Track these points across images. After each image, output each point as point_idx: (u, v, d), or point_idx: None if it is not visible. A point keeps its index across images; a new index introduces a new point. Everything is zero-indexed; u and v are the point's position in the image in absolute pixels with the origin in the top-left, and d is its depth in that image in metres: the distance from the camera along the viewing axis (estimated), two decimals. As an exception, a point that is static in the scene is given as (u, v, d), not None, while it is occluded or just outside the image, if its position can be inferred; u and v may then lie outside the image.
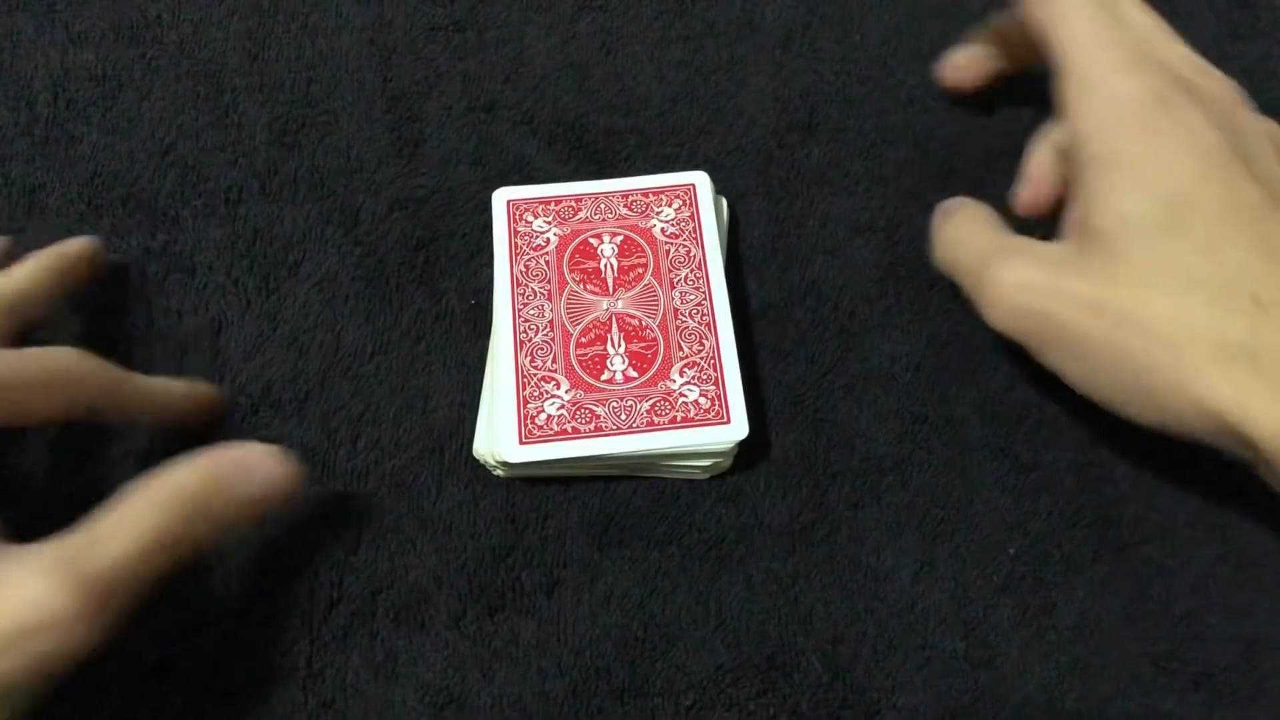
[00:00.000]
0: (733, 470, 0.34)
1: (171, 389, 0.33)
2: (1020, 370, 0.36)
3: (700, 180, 0.37)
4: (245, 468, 0.29)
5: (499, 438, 0.32)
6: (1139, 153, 0.29)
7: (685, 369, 0.34)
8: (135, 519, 0.27)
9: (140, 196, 0.39)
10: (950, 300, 0.37)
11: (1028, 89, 0.41)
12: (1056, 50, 0.32)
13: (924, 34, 0.43)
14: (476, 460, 0.34)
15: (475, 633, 0.32)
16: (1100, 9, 0.32)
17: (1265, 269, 0.27)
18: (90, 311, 0.37)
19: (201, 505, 0.28)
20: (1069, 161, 0.32)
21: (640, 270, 0.36)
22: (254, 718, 0.31)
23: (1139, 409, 0.29)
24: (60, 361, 0.30)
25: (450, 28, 0.43)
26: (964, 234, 0.34)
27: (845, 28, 0.43)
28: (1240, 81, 0.40)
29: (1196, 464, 0.34)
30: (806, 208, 0.39)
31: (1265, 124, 0.31)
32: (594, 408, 0.33)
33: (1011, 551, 0.33)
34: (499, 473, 0.34)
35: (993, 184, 0.39)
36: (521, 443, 0.32)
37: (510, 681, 0.31)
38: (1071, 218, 0.32)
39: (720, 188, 0.39)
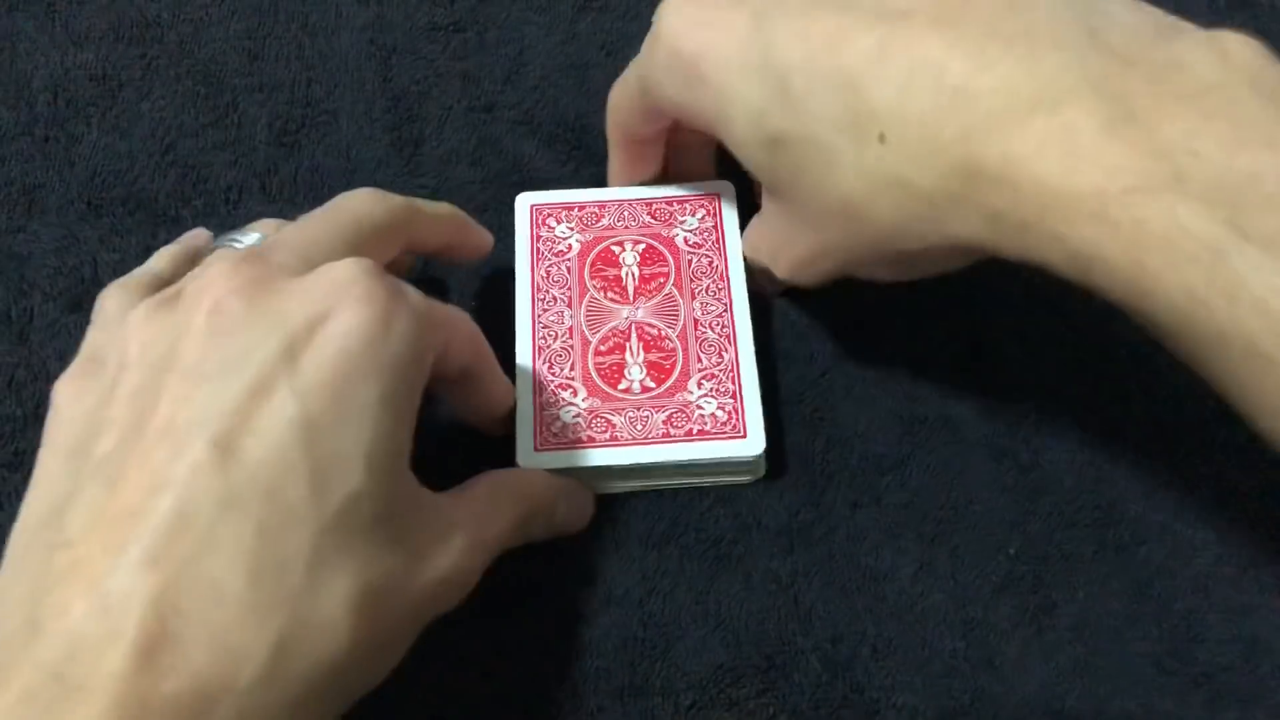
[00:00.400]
0: (732, 470, 0.34)
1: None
2: (1020, 370, 0.36)
3: (725, 189, 0.37)
4: (570, 498, 0.32)
5: (514, 444, 0.32)
6: (711, 96, 0.29)
7: (703, 380, 0.33)
8: (507, 506, 0.30)
9: (140, 196, 0.39)
10: (949, 300, 0.37)
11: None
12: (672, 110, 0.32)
13: (924, 34, 0.42)
14: (476, 460, 0.34)
15: (475, 632, 0.32)
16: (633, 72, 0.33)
17: (870, 97, 0.26)
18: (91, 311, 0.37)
19: (539, 513, 0.31)
20: None
21: (662, 279, 0.35)
22: (253, 717, 0.31)
23: (937, 267, 0.29)
24: (464, 317, 0.31)
25: (450, 28, 0.43)
26: (751, 239, 0.34)
27: (845, 27, 0.43)
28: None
29: (1197, 464, 0.34)
30: (806, 208, 0.39)
31: None
32: (610, 417, 0.33)
33: (1011, 551, 0.33)
34: None
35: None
36: (536, 450, 0.32)
37: (510, 681, 0.31)
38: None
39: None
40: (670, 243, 0.36)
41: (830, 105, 0.26)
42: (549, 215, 0.37)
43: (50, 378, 0.35)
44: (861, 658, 0.32)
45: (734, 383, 0.33)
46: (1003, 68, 0.24)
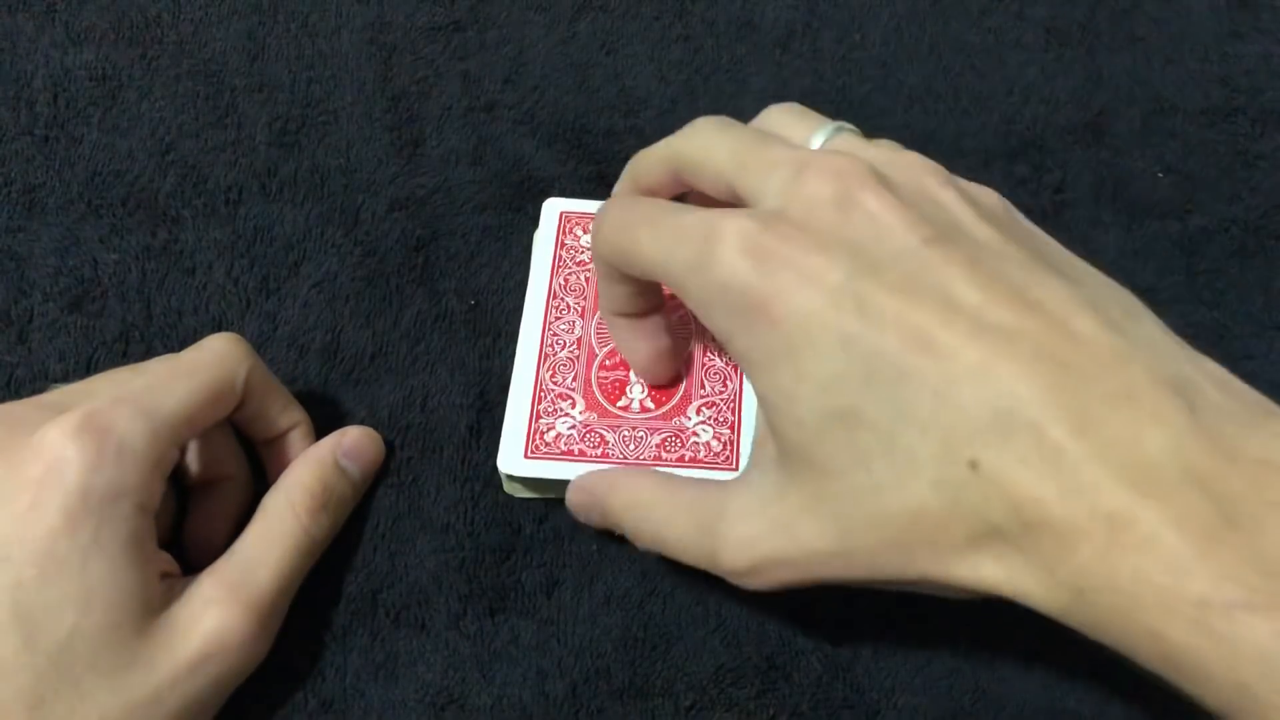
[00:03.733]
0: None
1: None
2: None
3: None
4: (353, 453, 0.33)
5: (505, 449, 0.32)
6: (778, 342, 0.25)
7: (703, 408, 0.33)
8: (280, 532, 0.31)
9: (140, 196, 0.39)
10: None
11: (1028, 88, 0.41)
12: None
13: (924, 34, 0.43)
14: (475, 460, 0.34)
15: (475, 633, 0.32)
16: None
17: (965, 417, 0.23)
18: (92, 314, 0.37)
19: (329, 499, 0.32)
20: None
21: (678, 300, 0.35)
22: (254, 718, 0.31)
23: (949, 593, 0.25)
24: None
25: (450, 28, 0.43)
26: (655, 513, 0.29)
27: (845, 28, 0.43)
28: (1240, 82, 0.40)
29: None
30: (806, 208, 0.39)
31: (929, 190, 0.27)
32: (604, 433, 0.33)
33: (1012, 552, 0.33)
34: (506, 488, 0.34)
35: (990, 186, 0.39)
36: (526, 457, 0.32)
37: (510, 682, 0.31)
38: (760, 424, 0.28)
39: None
40: None
41: (919, 408, 0.23)
42: (576, 224, 0.36)
43: (50, 378, 0.35)
44: (862, 658, 0.32)
45: (734, 413, 0.33)
46: (1104, 434, 0.22)
